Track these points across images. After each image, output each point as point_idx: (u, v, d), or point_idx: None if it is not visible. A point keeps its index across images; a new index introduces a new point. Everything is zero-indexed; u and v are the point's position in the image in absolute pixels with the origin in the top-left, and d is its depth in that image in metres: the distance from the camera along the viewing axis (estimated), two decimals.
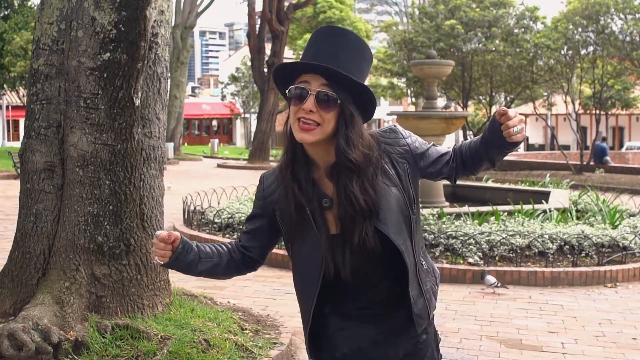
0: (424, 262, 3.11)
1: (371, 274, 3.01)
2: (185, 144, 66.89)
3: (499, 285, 9.53)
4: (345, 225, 2.92)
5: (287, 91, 2.94)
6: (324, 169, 2.98)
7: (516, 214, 12.57)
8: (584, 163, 31.89)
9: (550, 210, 12.90)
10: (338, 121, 2.87)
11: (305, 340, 3.12)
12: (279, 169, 3.05)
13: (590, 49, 31.32)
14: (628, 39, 30.07)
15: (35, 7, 36.25)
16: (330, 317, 3.07)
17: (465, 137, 37.09)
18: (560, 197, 14.75)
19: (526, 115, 62.29)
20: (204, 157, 49.98)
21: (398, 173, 2.99)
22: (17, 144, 47.44)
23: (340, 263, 2.93)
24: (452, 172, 3.07)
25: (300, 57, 3.01)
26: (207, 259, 3.04)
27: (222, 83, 75.38)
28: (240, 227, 12.37)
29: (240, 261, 3.14)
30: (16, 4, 40.29)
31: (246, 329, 6.92)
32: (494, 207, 12.83)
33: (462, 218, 12.19)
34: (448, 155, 3.06)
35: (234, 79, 68.05)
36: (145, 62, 6.45)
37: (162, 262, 2.90)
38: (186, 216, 14.13)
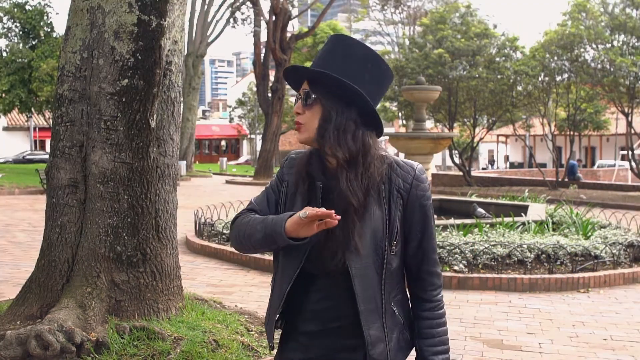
0: (395, 309, 2.66)
1: (338, 288, 2.63)
2: (197, 162, 67.02)
3: (486, 215, 12.23)
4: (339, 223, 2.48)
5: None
6: (331, 166, 2.64)
7: (497, 225, 12.58)
8: (559, 179, 31.92)
9: (528, 223, 12.90)
10: (319, 118, 2.59)
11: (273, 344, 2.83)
12: (296, 172, 2.71)
13: (565, 75, 31.38)
14: (599, 66, 30.13)
15: (60, 37, 36.46)
16: (299, 338, 2.75)
17: (451, 156, 37.09)
18: (537, 210, 14.75)
19: (506, 136, 62.53)
20: (214, 174, 50.06)
21: (389, 203, 2.61)
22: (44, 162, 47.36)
23: (327, 259, 2.58)
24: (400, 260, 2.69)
25: None
26: None
27: (230, 107, 75.55)
28: None
29: None
30: (42, 35, 40.38)
31: (252, 331, 6.91)
32: (478, 220, 12.84)
33: (448, 229, 12.20)
34: (421, 253, 2.71)
35: (240, 102, 68.22)
36: (160, 87, 6.48)
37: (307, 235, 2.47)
38: (197, 228, 14.14)
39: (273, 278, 2.81)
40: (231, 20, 47.24)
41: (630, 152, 31.24)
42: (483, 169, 64.62)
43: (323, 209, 2.37)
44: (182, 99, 7.25)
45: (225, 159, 60.05)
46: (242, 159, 71.78)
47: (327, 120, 2.58)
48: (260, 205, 2.77)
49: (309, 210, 2.39)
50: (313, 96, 2.59)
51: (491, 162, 67.01)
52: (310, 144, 2.65)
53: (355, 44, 2.63)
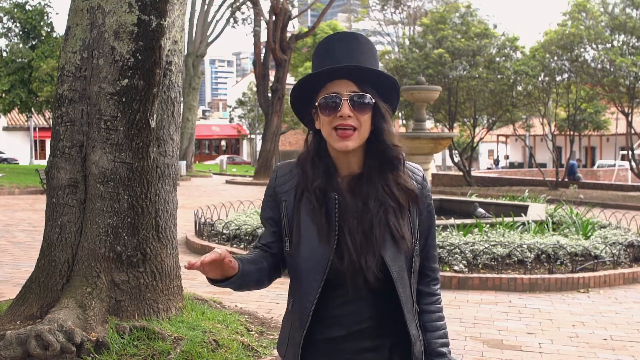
0: (417, 307, 2.69)
1: (360, 291, 2.57)
2: (197, 162, 67.02)
3: (486, 215, 12.38)
4: (373, 224, 2.54)
5: (316, 103, 2.58)
6: (342, 178, 2.62)
7: (497, 225, 12.58)
8: (559, 179, 31.92)
9: (528, 223, 12.90)
10: (374, 119, 2.57)
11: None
12: (304, 188, 2.63)
13: (565, 75, 31.40)
14: (599, 66, 30.15)
15: (60, 37, 36.47)
16: (319, 345, 2.63)
17: (451, 156, 37.09)
18: (537, 210, 14.75)
19: (506, 136, 62.55)
20: (214, 174, 50.08)
21: (409, 204, 2.63)
22: (44, 162, 47.46)
23: (364, 264, 2.51)
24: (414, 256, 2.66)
25: (312, 69, 2.65)
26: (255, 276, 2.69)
27: (230, 107, 75.53)
28: (247, 237, 12.38)
29: (272, 265, 2.75)
30: (42, 35, 40.41)
31: (252, 331, 6.91)
32: (478, 220, 12.83)
33: (448, 229, 12.19)
34: (426, 251, 2.73)
35: (240, 103, 68.22)
36: (160, 87, 6.49)
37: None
38: (197, 228, 14.14)
39: (291, 293, 2.74)
40: (231, 20, 47.25)
41: (630, 152, 31.24)
42: (488, 168, 64.68)
43: (202, 259, 2.34)
44: (182, 99, 7.26)
45: (225, 159, 60.15)
46: (218, 159, 70.31)
47: (388, 119, 2.62)
48: (265, 239, 2.76)
49: (190, 262, 2.36)
50: (373, 101, 2.58)
51: (496, 162, 67.02)
52: (354, 149, 2.59)
53: (358, 35, 2.65)
